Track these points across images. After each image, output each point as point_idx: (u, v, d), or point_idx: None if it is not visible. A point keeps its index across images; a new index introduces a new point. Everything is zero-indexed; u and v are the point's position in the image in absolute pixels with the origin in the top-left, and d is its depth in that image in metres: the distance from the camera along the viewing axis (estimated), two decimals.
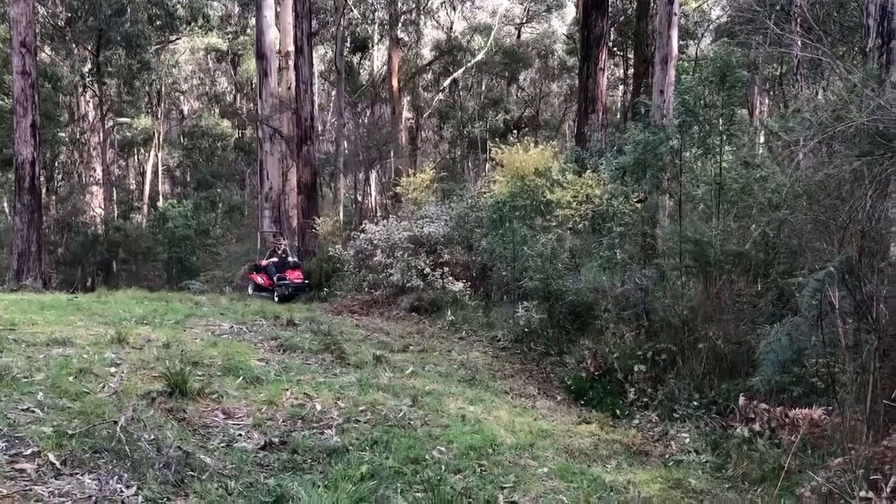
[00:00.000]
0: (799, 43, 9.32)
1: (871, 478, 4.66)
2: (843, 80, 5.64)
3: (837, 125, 4.82)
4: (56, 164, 30.84)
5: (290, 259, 17.16)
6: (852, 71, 5.81)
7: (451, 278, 14.30)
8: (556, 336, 10.36)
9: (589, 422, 7.39)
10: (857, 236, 5.49)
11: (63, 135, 29.35)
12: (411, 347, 10.39)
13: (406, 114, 34.56)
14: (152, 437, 4.86)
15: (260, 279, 16.88)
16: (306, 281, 16.56)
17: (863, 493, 4.55)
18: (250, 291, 17.07)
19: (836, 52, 11.52)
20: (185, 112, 41.29)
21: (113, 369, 6.61)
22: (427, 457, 5.50)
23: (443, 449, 5.75)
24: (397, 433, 5.93)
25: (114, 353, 7.18)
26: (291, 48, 20.24)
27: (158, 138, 34.51)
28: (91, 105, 30.55)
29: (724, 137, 8.74)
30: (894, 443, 4.50)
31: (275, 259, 16.75)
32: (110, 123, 33.13)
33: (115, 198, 32.85)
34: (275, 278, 16.14)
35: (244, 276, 17.92)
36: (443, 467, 5.35)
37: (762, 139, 11.59)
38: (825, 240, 5.95)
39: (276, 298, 15.73)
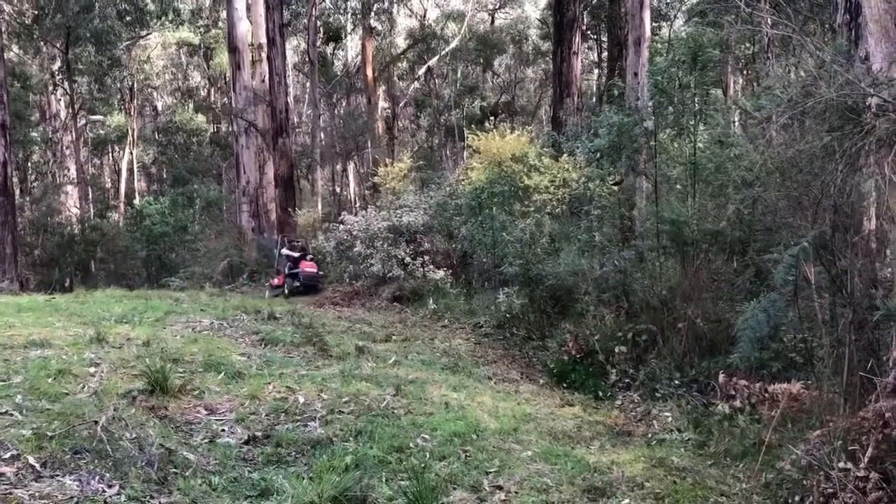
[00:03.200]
0: (769, 21, 9.38)
1: (850, 448, 4.73)
2: (812, 56, 5.67)
3: (807, 101, 4.85)
4: (29, 164, 30.46)
5: (298, 247, 16.44)
6: (821, 47, 5.85)
7: (431, 267, 14.30)
8: (537, 320, 10.40)
9: (572, 404, 7.44)
10: (830, 211, 5.55)
11: (35, 134, 28.97)
12: (394, 337, 10.39)
13: (382, 103, 34.40)
14: (134, 435, 4.83)
15: (276, 280, 16.18)
16: (320, 272, 15.75)
17: (841, 465, 4.62)
18: (267, 296, 15.61)
19: (807, 30, 11.60)
20: (159, 108, 40.85)
21: (92, 369, 6.55)
22: (411, 445, 5.52)
23: (427, 436, 5.77)
24: (381, 422, 5.94)
25: (93, 353, 7.11)
26: (264, 40, 20.05)
27: (132, 135, 34.14)
28: (62, 103, 30.18)
29: (698, 117, 8.79)
30: (870, 414, 4.57)
31: (287, 253, 16.02)
32: (83, 122, 32.74)
33: (90, 197, 32.49)
34: (285, 270, 15.58)
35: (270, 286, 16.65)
36: (427, 455, 5.37)
37: (736, 118, 11.66)
38: (799, 216, 6.00)
39: (285, 293, 15.08)
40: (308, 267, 15.40)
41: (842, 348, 5.48)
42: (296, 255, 15.91)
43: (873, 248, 6.18)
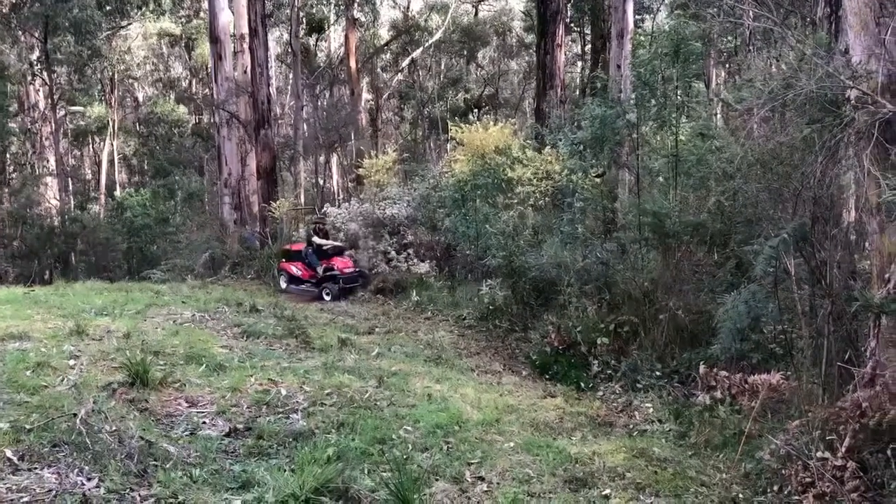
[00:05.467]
0: (751, 14, 9.43)
1: (828, 438, 4.79)
2: (793, 49, 5.70)
3: (788, 93, 4.88)
4: (7, 155, 30.05)
5: (332, 242, 14.52)
6: (802, 41, 5.88)
7: (416, 260, 14.28)
8: (520, 312, 10.42)
9: (554, 395, 7.47)
10: (810, 203, 5.59)
11: (13, 125, 28.55)
12: (377, 329, 10.38)
13: (365, 95, 34.26)
14: (113, 428, 4.80)
15: (296, 269, 14.19)
16: (358, 269, 14.01)
17: (819, 454, 4.68)
18: (283, 285, 14.40)
19: (789, 23, 11.65)
20: (140, 99, 40.41)
21: (72, 362, 6.51)
22: (394, 436, 5.52)
23: (409, 428, 5.78)
24: (364, 414, 5.94)
25: (72, 346, 7.06)
26: (246, 30, 19.90)
27: (113, 126, 33.76)
28: (41, 94, 29.75)
29: (681, 110, 8.83)
30: (848, 403, 4.62)
31: (318, 240, 14.13)
32: (62, 112, 32.35)
33: (70, 188, 32.12)
34: (319, 269, 13.65)
35: (278, 268, 14.82)
36: (409, 446, 5.38)
37: (718, 111, 11.73)
38: (779, 208, 6.05)
39: (326, 297, 13.30)
40: (345, 266, 13.66)
41: (821, 339, 5.54)
42: (327, 248, 14.12)
43: (852, 241, 6.25)
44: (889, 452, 4.44)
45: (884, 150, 4.43)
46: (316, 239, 14.06)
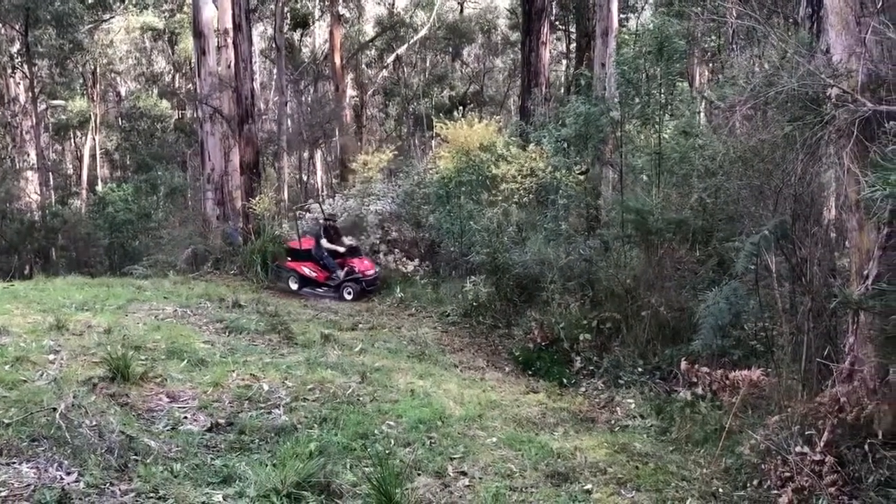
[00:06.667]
0: (734, 12, 9.49)
1: (807, 433, 4.84)
2: (775, 48, 5.75)
3: (770, 91, 4.91)
4: None
5: (346, 241, 13.84)
6: (785, 39, 5.93)
7: (403, 258, 14.24)
8: (503, 309, 10.45)
9: (536, 391, 7.49)
10: (791, 200, 5.64)
11: None
12: (360, 325, 10.36)
13: (350, 91, 34.12)
14: (94, 422, 4.76)
15: (309, 270, 13.41)
16: (377, 271, 13.40)
17: (798, 449, 4.73)
18: (293, 286, 13.49)
19: (772, 23, 11.73)
20: (123, 93, 40.02)
21: (52, 356, 6.44)
22: (376, 431, 5.52)
23: (392, 423, 5.78)
24: (346, 410, 5.93)
25: (52, 341, 6.99)
26: (230, 25, 19.72)
27: (95, 121, 33.43)
28: (22, 87, 29.41)
29: (664, 108, 8.88)
30: (827, 399, 4.66)
31: (327, 245, 13.36)
32: (43, 106, 32.01)
33: (51, 183, 31.80)
34: (340, 273, 13.02)
35: (281, 266, 13.93)
36: (392, 441, 5.38)
37: (702, 109, 11.79)
38: (760, 205, 6.09)
39: (347, 297, 12.77)
40: (366, 268, 13.10)
41: (800, 336, 5.59)
42: (342, 250, 13.41)
43: (832, 238, 6.30)
44: (866, 447, 4.50)
45: (863, 147, 4.47)
46: (324, 242, 13.38)
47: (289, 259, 13.84)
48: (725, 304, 6.01)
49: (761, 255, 5.85)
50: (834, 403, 4.63)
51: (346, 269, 13.02)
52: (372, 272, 13.11)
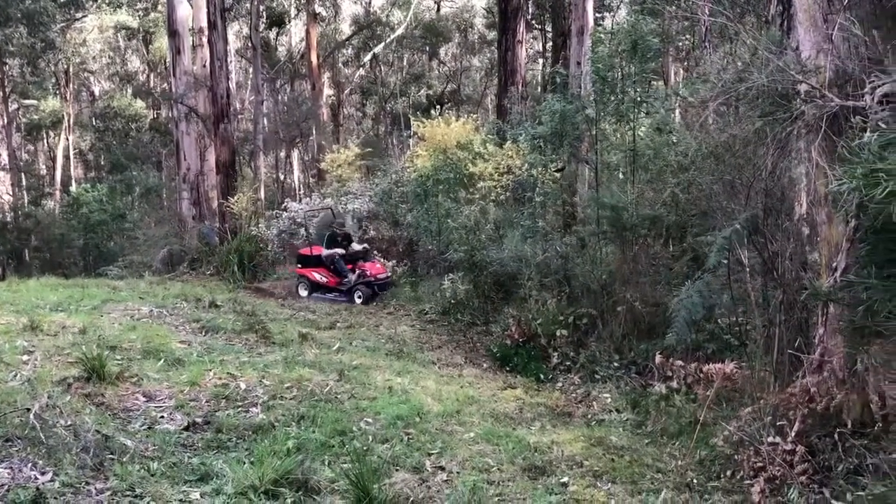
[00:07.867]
0: (707, 11, 9.60)
1: (778, 424, 4.92)
2: (747, 45, 5.83)
3: (740, 87, 4.98)
4: None
5: (356, 246, 13.68)
6: (756, 37, 6.01)
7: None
8: (481, 306, 10.50)
9: (514, 387, 7.54)
10: (762, 195, 5.72)
11: None
12: (338, 324, 10.36)
13: (327, 90, 34.03)
14: (69, 422, 4.72)
15: (320, 276, 13.26)
16: (388, 273, 13.35)
17: (770, 439, 4.80)
18: (304, 293, 13.37)
19: (745, 21, 11.87)
20: (96, 93, 39.62)
21: (25, 357, 6.39)
22: (354, 428, 5.53)
23: (370, 420, 5.79)
24: (324, 407, 5.94)
25: (26, 341, 6.93)
26: (205, 24, 19.63)
27: (68, 121, 33.11)
28: None
29: (639, 106, 8.95)
30: (797, 389, 4.74)
31: (339, 250, 13.24)
32: (14, 106, 31.63)
33: (24, 183, 31.46)
34: (351, 276, 12.93)
35: (294, 273, 13.96)
36: (370, 438, 5.39)
37: (676, 107, 11.90)
38: (732, 199, 6.17)
39: (358, 300, 12.62)
40: (378, 271, 13.03)
41: (773, 328, 5.68)
42: (359, 248, 13.51)
43: (804, 232, 6.39)
44: (836, 436, 4.57)
45: (831, 142, 4.55)
46: (325, 251, 13.23)
47: (299, 265, 13.75)
48: (699, 298, 6.08)
49: (733, 250, 5.94)
50: (804, 394, 4.71)
51: (357, 272, 12.95)
52: (384, 275, 13.06)
